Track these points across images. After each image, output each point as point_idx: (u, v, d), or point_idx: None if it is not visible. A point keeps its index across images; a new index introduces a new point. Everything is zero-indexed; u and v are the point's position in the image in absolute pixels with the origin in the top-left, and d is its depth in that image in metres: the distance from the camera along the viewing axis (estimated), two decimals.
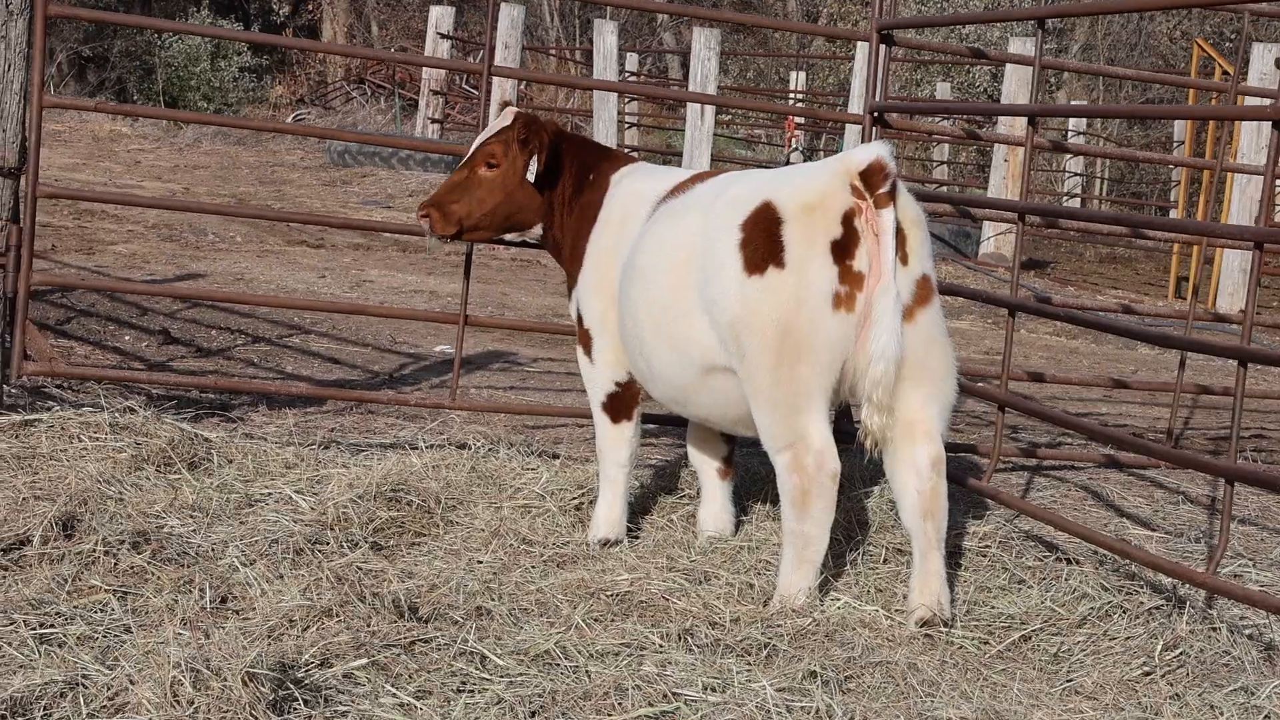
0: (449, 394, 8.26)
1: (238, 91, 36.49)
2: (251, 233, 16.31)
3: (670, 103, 27.01)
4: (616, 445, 6.76)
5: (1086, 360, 14.62)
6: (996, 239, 20.21)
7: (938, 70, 33.06)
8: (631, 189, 6.71)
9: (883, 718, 5.04)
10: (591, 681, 5.12)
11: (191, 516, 6.49)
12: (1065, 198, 27.79)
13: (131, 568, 5.82)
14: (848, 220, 5.83)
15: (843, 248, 5.82)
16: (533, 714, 4.92)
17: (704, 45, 19.19)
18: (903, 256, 5.88)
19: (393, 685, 4.97)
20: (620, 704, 5.00)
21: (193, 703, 4.54)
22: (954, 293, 8.00)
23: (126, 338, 10.79)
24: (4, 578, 5.72)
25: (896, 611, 6.07)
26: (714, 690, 5.11)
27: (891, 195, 5.81)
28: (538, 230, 6.95)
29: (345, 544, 6.31)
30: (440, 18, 24.34)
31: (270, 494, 6.84)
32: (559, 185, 6.83)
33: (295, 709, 4.65)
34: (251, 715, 4.53)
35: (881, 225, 5.80)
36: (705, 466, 6.91)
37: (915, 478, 5.99)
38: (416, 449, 7.58)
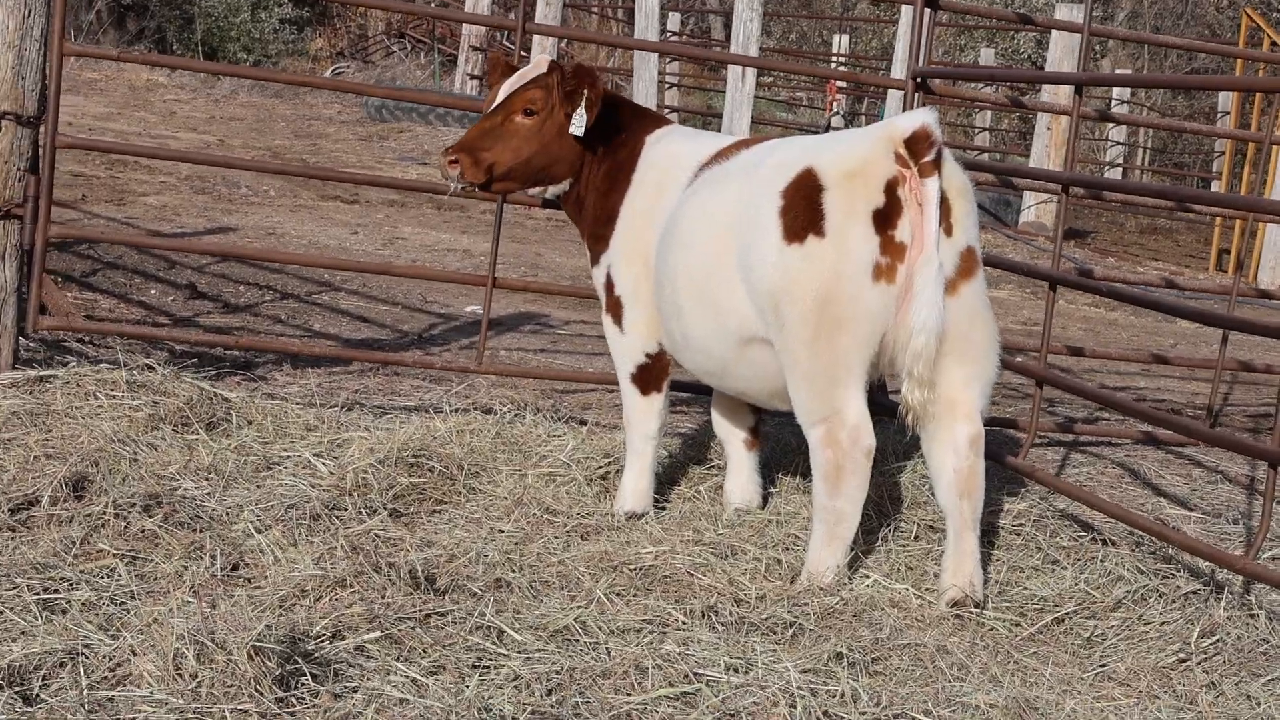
0: (475, 358, 8.06)
1: (278, 43, 36.22)
2: (285, 187, 16.13)
3: (711, 64, 26.73)
4: (645, 417, 6.57)
5: (1125, 333, 14.39)
6: (1038, 207, 19.94)
7: (981, 35, 32.69)
8: (669, 152, 6.50)
9: (910, 702, 4.87)
10: (611, 659, 4.96)
11: (206, 479, 6.33)
12: (1107, 167, 27.42)
13: (142, 531, 5.66)
14: (890, 189, 5.63)
15: (885, 217, 5.62)
16: (549, 692, 4.75)
17: (746, 6, 18.87)
18: (947, 227, 5.69)
19: (405, 660, 4.81)
20: (640, 683, 4.83)
21: (196, 676, 4.39)
22: (993, 264, 7.77)
23: (153, 291, 10.64)
24: (11, 539, 5.58)
25: (927, 590, 5.90)
26: (737, 671, 4.94)
27: (936, 164, 5.61)
28: (561, 187, 6.69)
29: (364, 511, 6.14)
30: None
31: (289, 457, 6.67)
32: (589, 142, 6.60)
33: (302, 684, 4.49)
34: (256, 690, 4.37)
35: (925, 194, 5.60)
36: (732, 437, 6.72)
37: (953, 456, 5.81)
38: (441, 413, 7.40)
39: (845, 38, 29.07)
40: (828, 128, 20.45)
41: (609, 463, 6.86)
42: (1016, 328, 13.65)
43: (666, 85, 25.40)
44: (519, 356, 9.79)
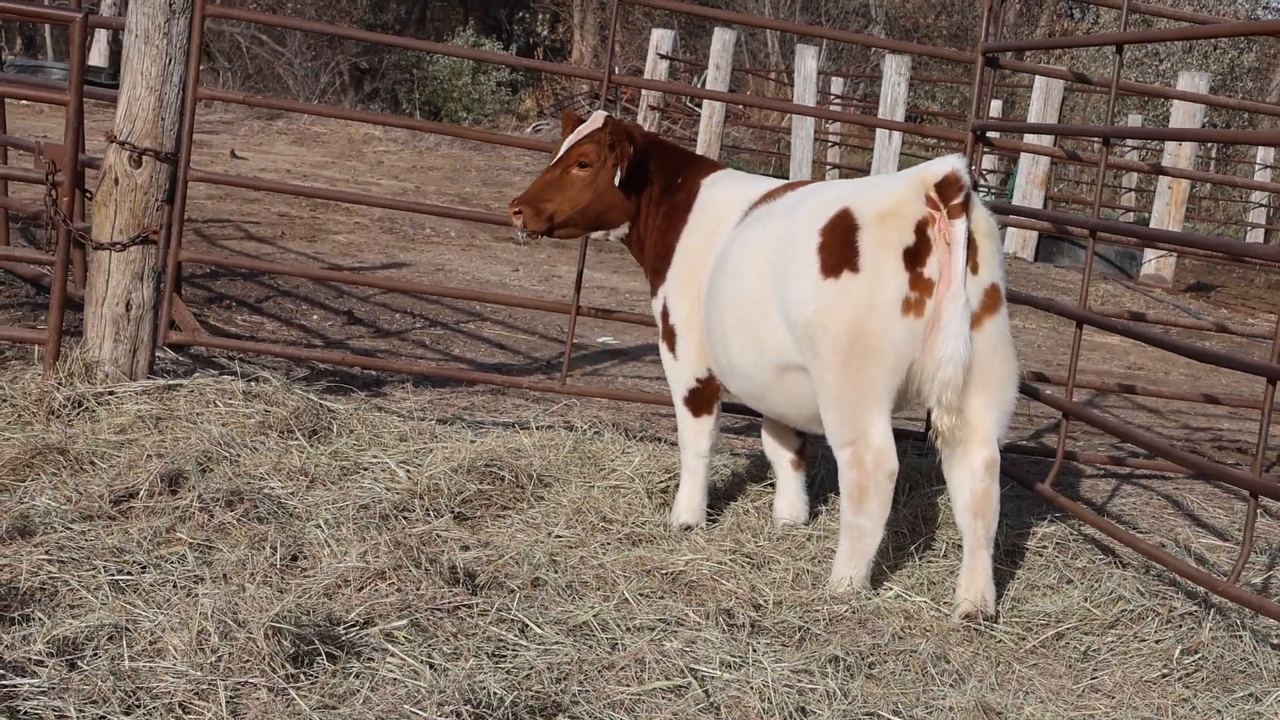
0: (560, 379, 8.08)
1: (494, 103, 36.71)
2: (464, 228, 16.26)
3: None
4: (698, 437, 6.53)
5: (1192, 369, 13.88)
6: (1157, 261, 19.47)
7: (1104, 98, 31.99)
8: (723, 194, 6.48)
9: (887, 703, 4.75)
10: (618, 654, 4.91)
11: (293, 480, 6.39)
12: (1249, 228, 26.69)
13: (221, 524, 5.73)
14: (921, 229, 5.57)
15: (915, 255, 5.56)
16: (558, 680, 4.72)
17: (894, 71, 18.79)
18: (973, 266, 5.60)
19: (428, 646, 4.80)
20: (639, 676, 4.79)
21: (217, 651, 4.42)
22: (1021, 301, 7.58)
23: (314, 316, 10.80)
24: (108, 526, 5.69)
25: (945, 604, 5.76)
26: (730, 668, 4.87)
27: (965, 206, 5.55)
28: (623, 230, 6.70)
29: (430, 513, 6.16)
30: (660, 40, 24.18)
31: (376, 463, 6.71)
32: (647, 188, 6.59)
33: (317, 662, 4.49)
34: (270, 667, 4.39)
35: (954, 235, 5.54)
36: (780, 458, 6.66)
37: (970, 478, 5.70)
38: (527, 428, 7.40)
39: (998, 101, 28.58)
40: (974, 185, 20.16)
41: (669, 477, 6.80)
42: (1120, 370, 13.33)
43: (830, 144, 25.24)
44: (635, 382, 9.76)
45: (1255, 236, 26.86)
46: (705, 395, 6.48)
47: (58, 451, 6.38)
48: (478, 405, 8.43)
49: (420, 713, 4.21)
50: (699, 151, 22.56)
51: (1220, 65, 33.14)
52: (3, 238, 9.64)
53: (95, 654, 4.49)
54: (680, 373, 6.50)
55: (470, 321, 11.37)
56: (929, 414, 5.87)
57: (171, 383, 7.21)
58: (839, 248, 5.63)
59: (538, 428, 7.42)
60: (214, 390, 7.13)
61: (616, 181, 6.46)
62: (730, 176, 6.63)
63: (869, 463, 5.63)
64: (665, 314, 6.51)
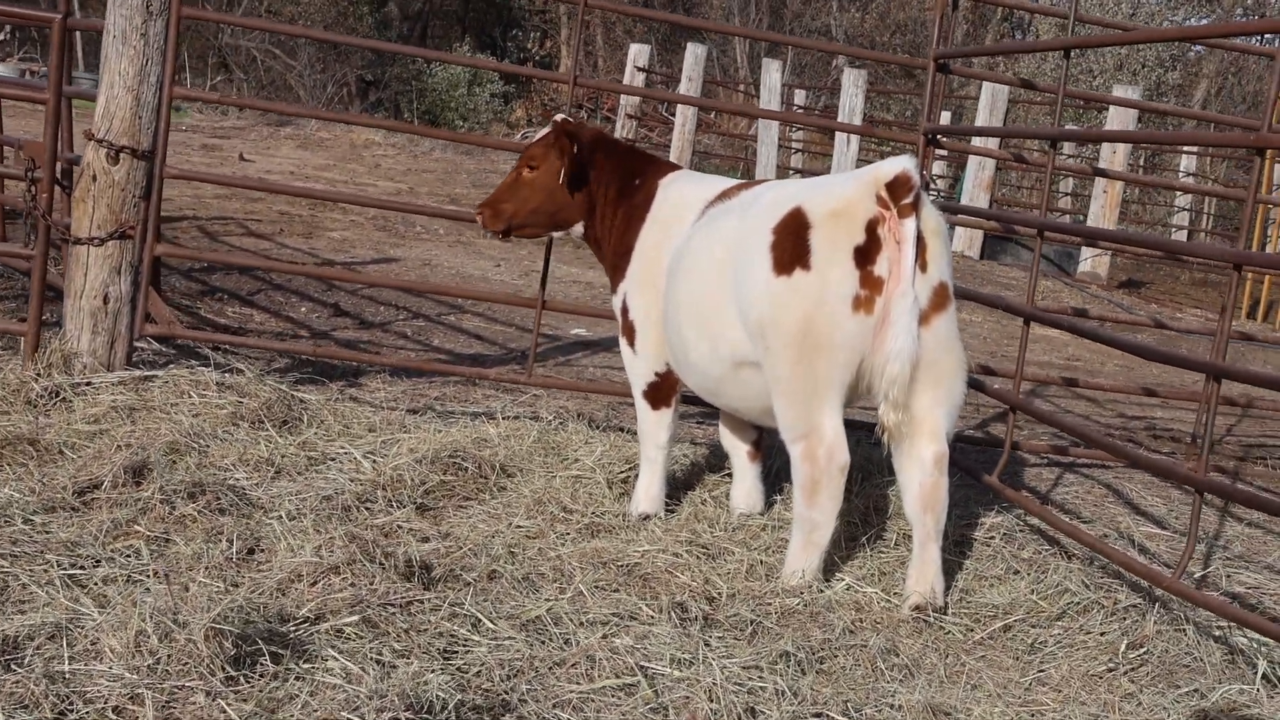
0: (526, 371, 7.57)
1: (488, 113, 36.17)
2: (453, 226, 15.73)
3: (830, 130, 25.96)
4: (657, 429, 6.03)
5: (1126, 360, 13.39)
6: (1093, 259, 18.99)
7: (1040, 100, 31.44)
8: (679, 194, 6.00)
9: (836, 702, 4.26)
10: (569, 650, 4.40)
11: (258, 471, 5.87)
12: (1174, 229, 26.19)
13: (182, 516, 5.20)
14: (871, 228, 5.08)
15: (865, 253, 5.08)
16: (508, 678, 4.22)
17: (852, 83, 18.28)
18: (922, 264, 5.11)
19: (378, 643, 4.29)
20: (589, 674, 4.29)
21: (155, 653, 3.91)
22: (970, 298, 7.10)
23: (302, 309, 10.27)
24: (69, 518, 5.17)
25: (895, 595, 5.26)
26: (681, 665, 4.37)
27: (914, 206, 5.07)
28: (580, 229, 6.23)
29: (393, 504, 5.65)
30: (637, 54, 23.63)
31: (344, 454, 6.20)
32: (600, 188, 6.13)
33: (260, 664, 3.98)
34: (208, 670, 3.88)
35: (903, 233, 5.06)
36: (736, 449, 6.17)
37: (919, 472, 5.22)
38: (494, 418, 6.88)
39: (949, 113, 28.06)
40: (925, 186, 19.70)
41: (629, 468, 6.31)
42: (1060, 361, 12.84)
43: (794, 150, 24.70)
44: (604, 373, 9.24)
45: (1179, 237, 26.40)
46: (664, 389, 6.00)
47: (28, 442, 5.87)
48: (449, 396, 7.90)
49: (357, 719, 3.70)
50: (673, 157, 22.06)
51: (1149, 81, 32.67)
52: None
53: (36, 654, 3.97)
54: (639, 367, 6.02)
55: (451, 314, 10.85)
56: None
57: (147, 374, 6.69)
58: (791, 246, 5.15)
59: (504, 418, 6.91)
60: (188, 381, 6.61)
61: (560, 180, 5.99)
62: (687, 176, 6.15)
63: (821, 457, 5.16)
64: (625, 310, 6.03)
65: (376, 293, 11.14)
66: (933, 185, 22.36)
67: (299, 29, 9.46)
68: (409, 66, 37.44)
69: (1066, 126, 28.35)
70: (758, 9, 35.05)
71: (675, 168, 6.26)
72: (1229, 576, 6.15)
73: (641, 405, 6.05)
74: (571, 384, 7.75)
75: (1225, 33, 5.34)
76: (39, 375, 6.58)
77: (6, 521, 5.04)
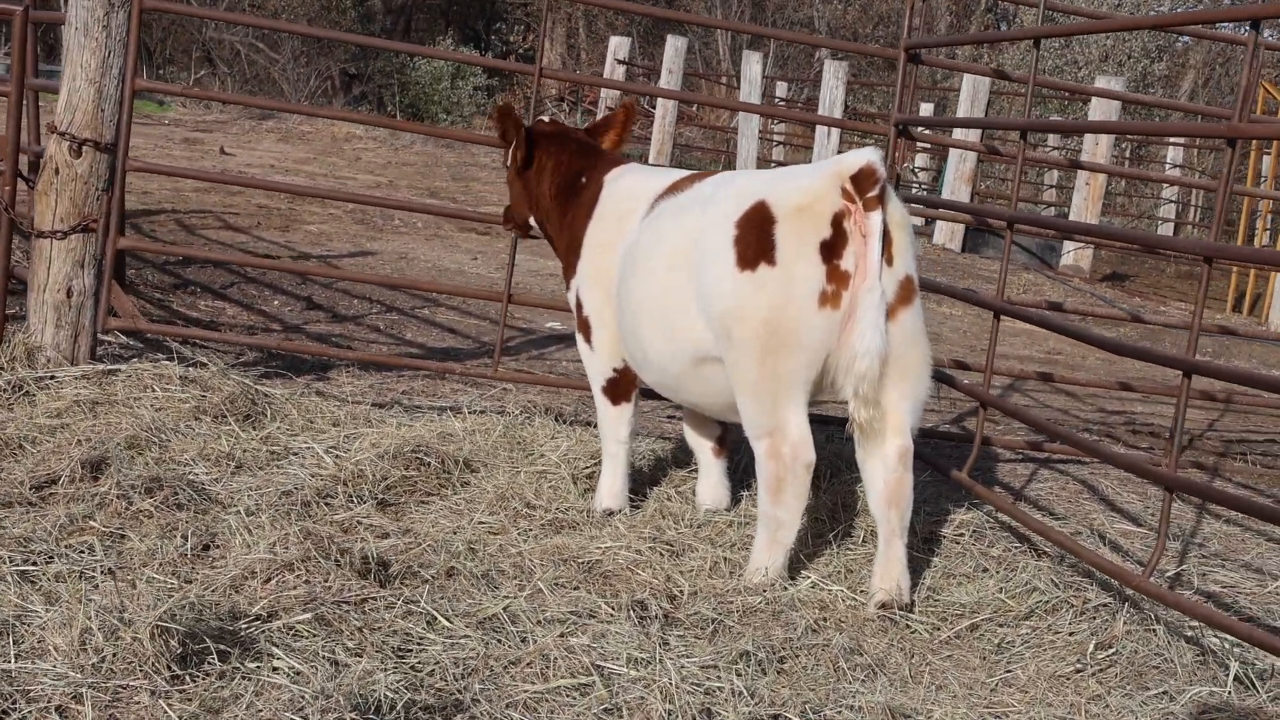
0: (492, 365, 7.50)
1: (471, 106, 36.03)
2: (431, 220, 15.66)
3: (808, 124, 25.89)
4: (617, 425, 5.96)
5: (1108, 354, 13.31)
6: (1076, 252, 18.95)
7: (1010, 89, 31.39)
8: (626, 187, 5.91)
9: (795, 703, 4.19)
10: (525, 648, 4.33)
11: (219, 466, 5.80)
12: (1160, 222, 26.15)
13: (138, 511, 5.12)
14: (837, 222, 4.98)
15: (831, 248, 4.97)
16: (462, 677, 4.15)
17: (833, 75, 18.22)
18: (888, 257, 5.02)
19: (330, 641, 4.22)
20: (544, 672, 4.22)
21: (100, 651, 3.84)
22: (942, 292, 7.03)
23: (275, 302, 10.19)
24: (26, 513, 5.10)
25: (861, 593, 5.19)
26: (638, 665, 4.29)
27: (880, 199, 4.96)
28: (532, 222, 6.23)
29: (353, 499, 5.58)
30: (618, 46, 23.51)
31: (307, 448, 6.12)
32: (544, 181, 6.07)
33: (208, 662, 3.91)
34: (155, 669, 3.81)
35: (869, 227, 4.96)
36: (700, 446, 6.09)
37: (883, 468, 5.13)
38: (460, 413, 6.81)
39: (931, 105, 27.98)
40: (898, 179, 19.67)
41: (594, 463, 6.23)
42: (1040, 355, 12.79)
43: (775, 143, 24.62)
44: (575, 366, 9.15)
45: (1165, 229, 26.35)
46: (623, 384, 5.92)
47: None
48: (417, 390, 7.83)
49: (301, 719, 3.64)
50: (653, 150, 21.96)
51: (1134, 73, 32.60)
52: None
53: None
54: (597, 363, 5.94)
55: (425, 307, 10.77)
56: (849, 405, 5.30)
57: (110, 368, 6.61)
58: (755, 240, 5.05)
59: (471, 412, 6.84)
60: (152, 375, 6.53)
61: (509, 162, 6.04)
62: (635, 169, 6.06)
63: (786, 454, 5.08)
64: (579, 306, 5.94)
65: (351, 286, 11.06)
66: (915, 178, 22.32)
67: (267, 21, 9.31)
68: (392, 60, 37.28)
69: (1052, 118, 28.38)
70: (740, 2, 34.96)
71: (623, 161, 6.17)
72: (1204, 575, 6.09)
73: (601, 401, 5.98)
74: (538, 378, 7.68)
75: (1193, 20, 5.26)
76: (2, 369, 6.50)
77: None
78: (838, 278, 4.98)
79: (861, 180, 4.96)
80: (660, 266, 5.41)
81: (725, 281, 5.10)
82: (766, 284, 5.01)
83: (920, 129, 7.57)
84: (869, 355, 4.94)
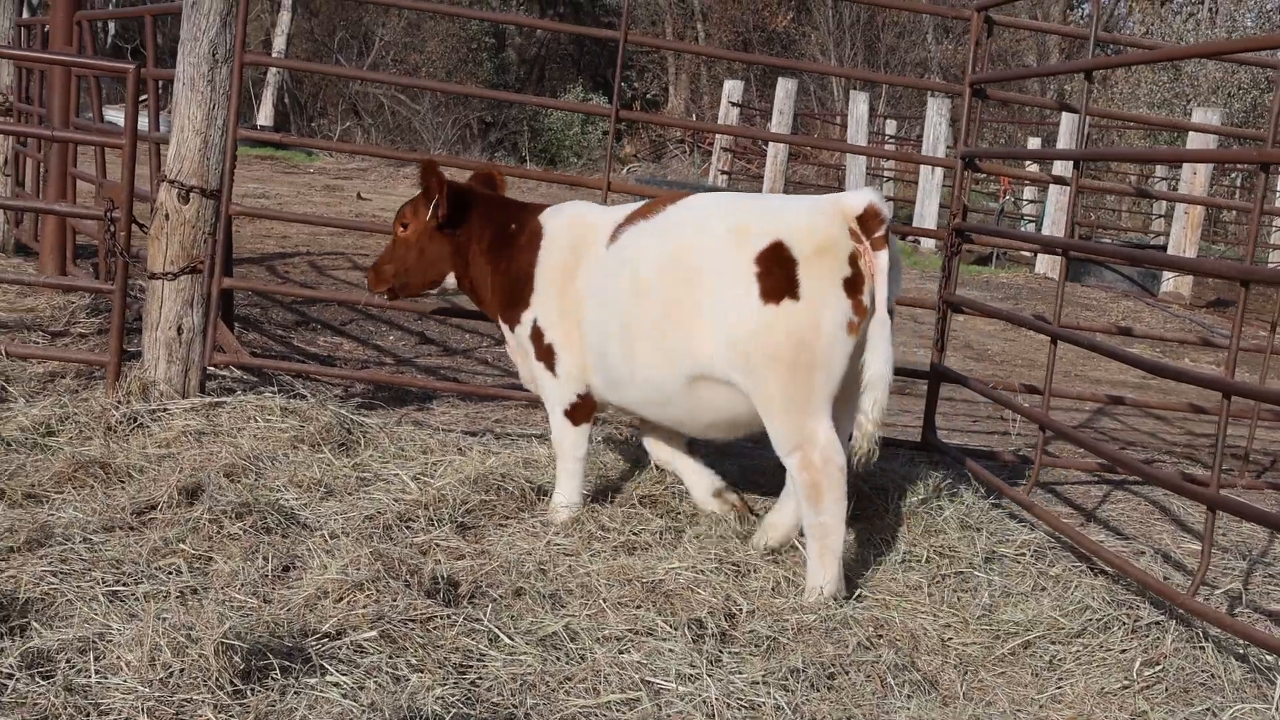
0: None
1: (599, 150, 36.32)
2: None
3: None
4: (578, 444, 5.96)
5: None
6: (1175, 280, 18.52)
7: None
8: (574, 218, 5.91)
9: (834, 718, 4.12)
10: (579, 664, 4.32)
11: (309, 491, 5.86)
12: (1271, 249, 25.41)
13: (228, 535, 5.20)
14: (853, 260, 5.13)
15: (852, 284, 5.11)
16: (517, 692, 4.16)
17: (935, 113, 18.05)
18: None
19: (394, 657, 4.24)
20: (595, 687, 4.20)
21: (168, 667, 3.89)
22: (997, 316, 6.88)
23: (391, 337, 10.32)
24: (125, 537, 5.19)
25: (920, 613, 5.10)
26: (686, 680, 4.26)
27: (885, 238, 5.10)
28: (452, 281, 6.20)
29: (433, 523, 5.60)
30: (732, 89, 23.56)
31: (394, 475, 6.17)
32: (473, 236, 6.05)
33: (271, 677, 3.95)
34: (218, 684, 3.85)
35: (877, 265, 5.12)
36: (674, 457, 6.20)
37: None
38: (546, 441, 6.82)
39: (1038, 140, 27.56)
40: (1001, 211, 19.43)
41: (661, 486, 6.20)
42: (1134, 380, 12.50)
43: (886, 178, 24.44)
44: None
45: (1277, 257, 25.61)
46: (584, 407, 5.93)
47: (99, 465, 5.92)
48: (510, 419, 7.86)
49: None
50: (766, 187, 21.91)
51: (1243, 104, 31.81)
52: (60, 268, 9.25)
53: (67, 666, 3.98)
54: (561, 389, 5.90)
55: None
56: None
57: (217, 400, 6.73)
58: (780, 278, 5.14)
59: None
60: (254, 407, 6.64)
61: (432, 216, 6.03)
62: (572, 205, 6.06)
63: (817, 461, 5.14)
64: (539, 335, 5.88)
65: (463, 321, 11.13)
66: (1017, 209, 21.97)
67: (388, 76, 9.45)
68: (525, 108, 37.71)
69: (1156, 147, 27.81)
70: (853, 44, 34.83)
71: (545, 206, 6.16)
72: (1267, 594, 5.89)
73: (562, 423, 5.94)
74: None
75: (1246, 47, 5.14)
76: (119, 403, 6.65)
77: (66, 540, 5.07)
78: (860, 310, 5.12)
79: (868, 220, 5.12)
80: (651, 289, 5.41)
81: (749, 314, 5.17)
82: (791, 315, 5.12)
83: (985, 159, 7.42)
84: (881, 384, 5.07)
